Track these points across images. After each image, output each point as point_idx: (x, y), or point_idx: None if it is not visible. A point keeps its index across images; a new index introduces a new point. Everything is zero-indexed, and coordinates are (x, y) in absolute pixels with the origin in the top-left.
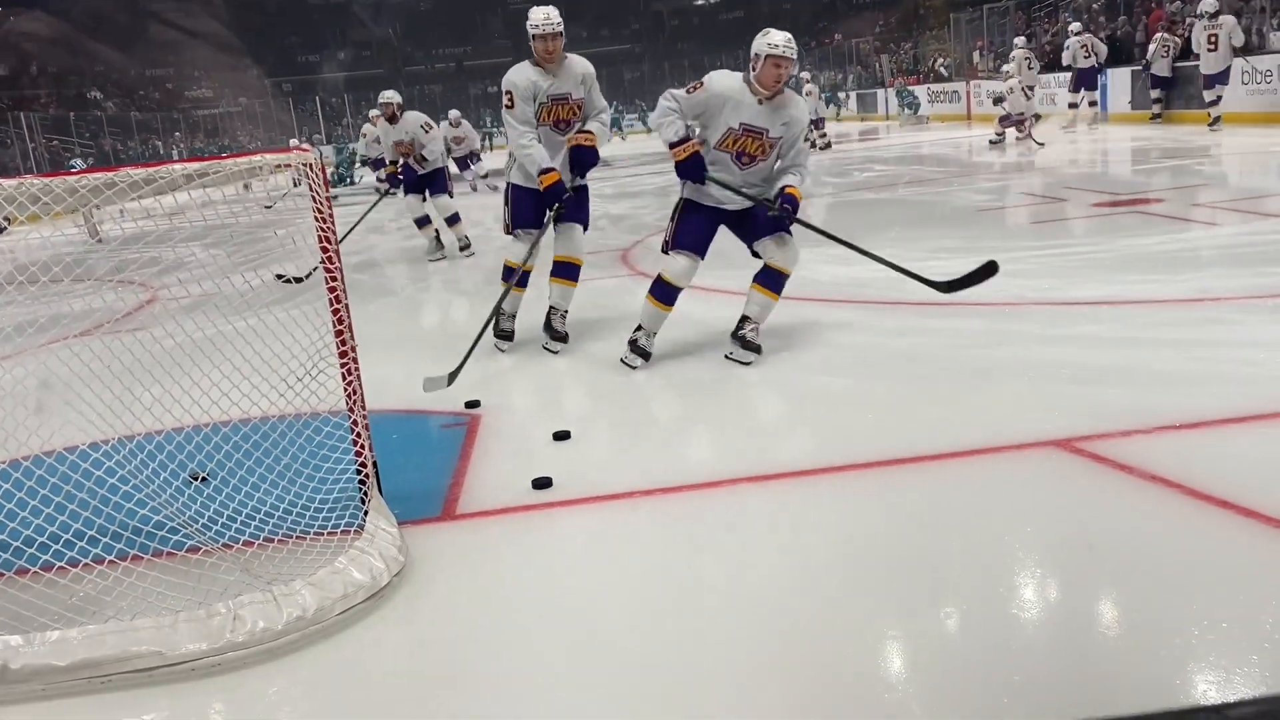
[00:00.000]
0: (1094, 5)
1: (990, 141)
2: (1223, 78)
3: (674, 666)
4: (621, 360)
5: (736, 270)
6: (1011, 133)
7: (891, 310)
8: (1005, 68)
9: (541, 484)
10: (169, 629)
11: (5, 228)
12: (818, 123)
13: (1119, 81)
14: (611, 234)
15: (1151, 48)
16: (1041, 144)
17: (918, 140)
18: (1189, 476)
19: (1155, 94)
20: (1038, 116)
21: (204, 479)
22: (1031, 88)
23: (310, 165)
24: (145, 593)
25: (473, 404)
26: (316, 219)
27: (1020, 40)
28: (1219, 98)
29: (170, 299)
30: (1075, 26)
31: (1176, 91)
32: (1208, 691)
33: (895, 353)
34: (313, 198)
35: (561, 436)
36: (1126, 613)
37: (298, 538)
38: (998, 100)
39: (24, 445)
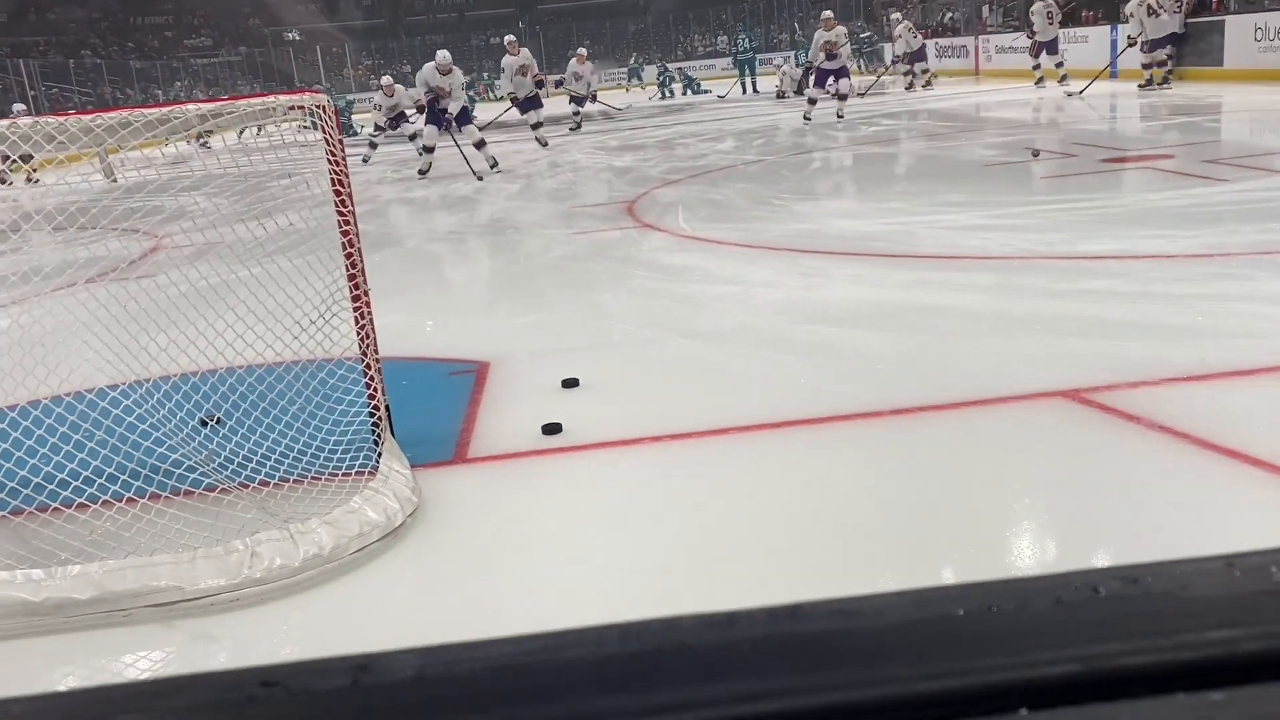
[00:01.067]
0: None
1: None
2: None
3: (684, 610)
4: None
5: (743, 224)
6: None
7: (900, 263)
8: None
9: (551, 429)
10: (188, 565)
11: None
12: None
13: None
14: (617, 186)
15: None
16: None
17: (924, 96)
18: (1196, 426)
19: (1167, 51)
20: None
21: (218, 421)
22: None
23: (324, 107)
24: (164, 530)
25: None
26: (330, 162)
27: None
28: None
29: (175, 247)
30: None
31: (1188, 47)
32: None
33: (904, 305)
34: (326, 141)
35: (570, 384)
36: (1131, 560)
37: (313, 478)
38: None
39: (42, 385)
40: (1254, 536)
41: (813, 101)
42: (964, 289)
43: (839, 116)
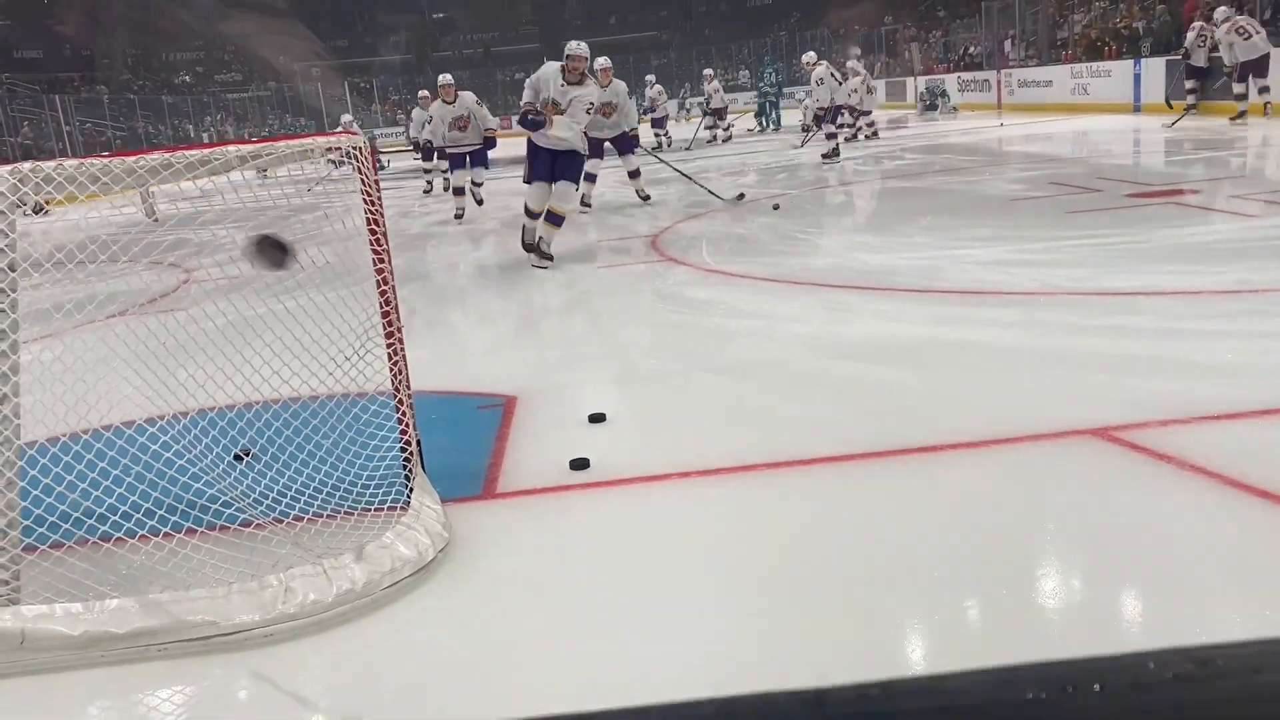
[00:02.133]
0: None
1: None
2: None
3: (712, 646)
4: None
5: (768, 258)
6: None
7: (925, 298)
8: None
9: (579, 465)
10: (223, 599)
11: (44, 208)
12: (719, 113)
13: (1153, 72)
14: (641, 220)
15: (1189, 36)
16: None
17: (946, 130)
18: (1228, 466)
19: (1190, 84)
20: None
21: (252, 455)
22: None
23: (359, 148)
24: (199, 565)
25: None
26: (365, 201)
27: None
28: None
29: (207, 280)
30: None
31: (1210, 82)
32: None
33: (930, 340)
34: (361, 180)
35: (597, 419)
36: (1164, 604)
37: (346, 513)
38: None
39: (80, 419)
40: None
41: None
42: (989, 325)
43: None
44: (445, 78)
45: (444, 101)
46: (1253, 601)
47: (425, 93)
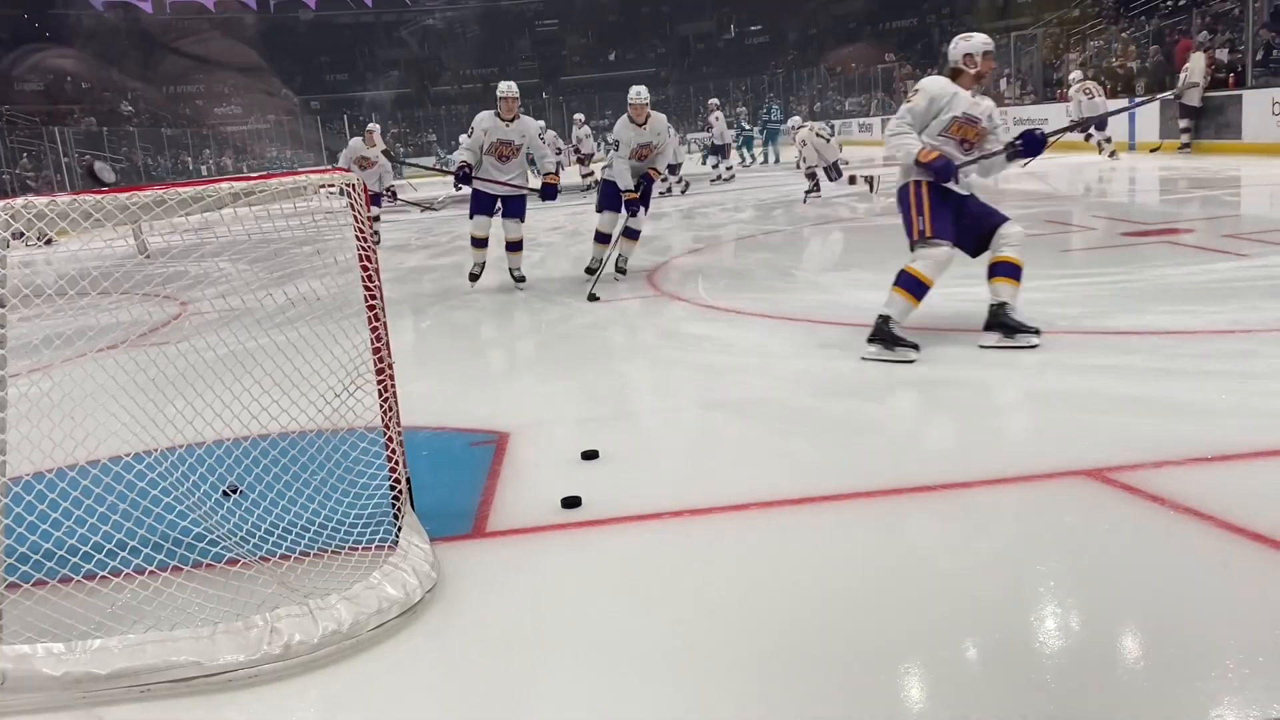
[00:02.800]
0: (1124, 34)
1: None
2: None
3: (703, 688)
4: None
5: (763, 294)
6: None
7: (919, 335)
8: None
9: (571, 503)
10: (207, 640)
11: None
12: (722, 150)
13: (1147, 111)
14: (638, 255)
15: (1181, 77)
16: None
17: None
18: (1223, 509)
19: (1184, 124)
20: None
21: (240, 491)
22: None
23: (353, 186)
24: (184, 604)
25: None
26: (357, 238)
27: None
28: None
29: (198, 314)
30: (1075, 75)
31: (1206, 121)
32: None
33: (924, 378)
34: (354, 217)
35: (590, 456)
36: (1157, 646)
37: (333, 552)
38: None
39: (67, 453)
40: None
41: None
42: (982, 363)
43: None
44: (508, 88)
45: (499, 117)
46: (1246, 646)
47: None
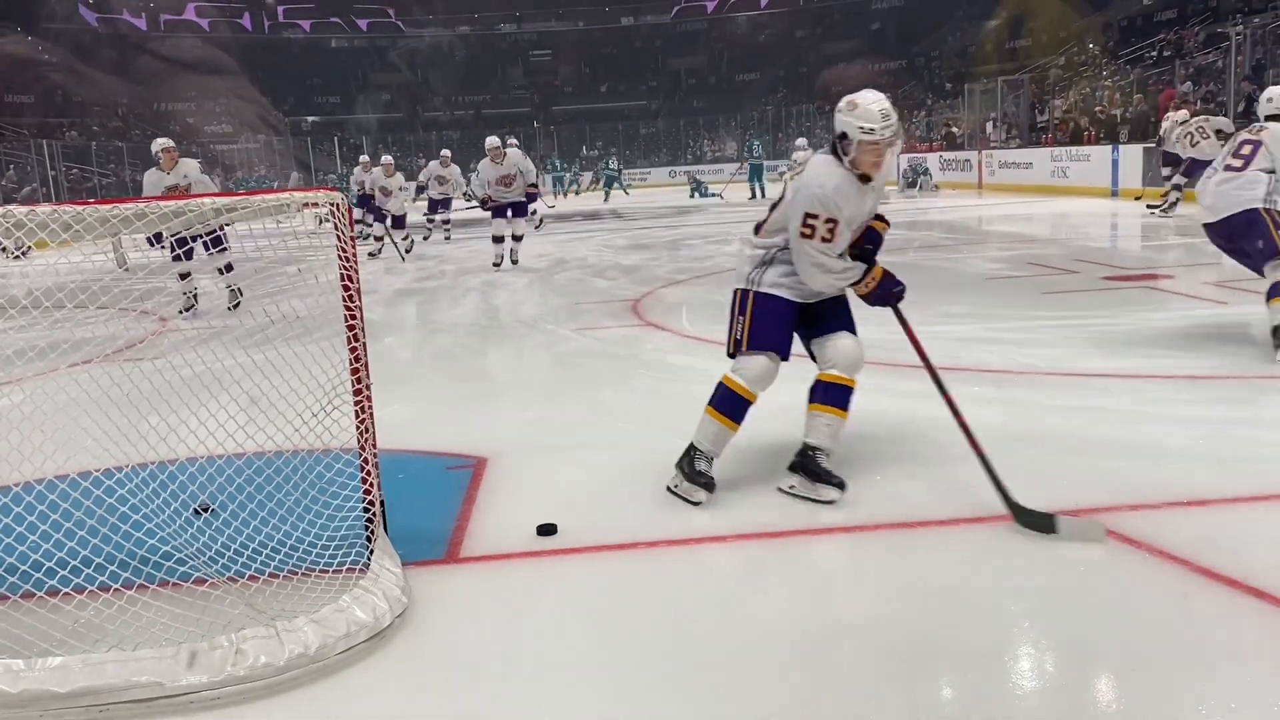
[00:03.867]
0: (1108, 82)
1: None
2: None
3: None
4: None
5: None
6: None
7: (900, 372)
8: None
9: (547, 530)
10: (170, 660)
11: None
12: None
13: (1130, 158)
14: (623, 284)
15: (1164, 125)
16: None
17: (926, 207)
18: (1197, 553)
19: (1166, 172)
20: None
21: (211, 510)
22: None
23: (338, 205)
24: (148, 623)
25: (547, 529)
26: (340, 258)
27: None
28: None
29: (175, 330)
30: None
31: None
32: None
33: (903, 416)
34: (337, 237)
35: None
36: (1131, 691)
37: (303, 574)
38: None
39: (35, 468)
40: (1254, 670)
41: None
42: (963, 402)
43: None
44: (491, 141)
45: (494, 163)
46: (1218, 691)
47: (365, 158)
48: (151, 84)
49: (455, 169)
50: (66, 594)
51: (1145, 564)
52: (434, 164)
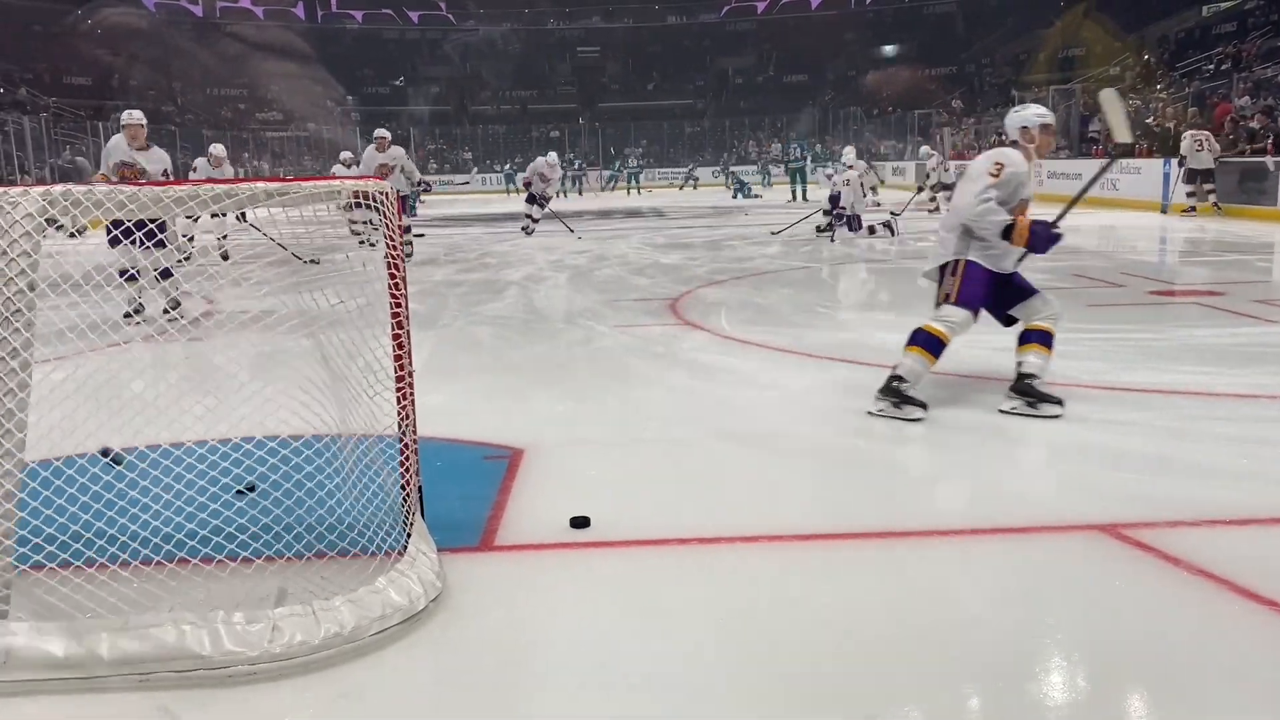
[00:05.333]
0: (1163, 94)
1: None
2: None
3: (700, 716)
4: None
5: (785, 329)
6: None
7: (940, 380)
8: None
9: (580, 523)
10: (210, 633)
11: (85, 226)
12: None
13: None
14: (662, 283)
15: (1185, 142)
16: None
17: None
18: (1238, 573)
19: (1189, 189)
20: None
21: (255, 490)
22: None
23: (385, 194)
24: (190, 596)
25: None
26: (387, 245)
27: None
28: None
29: (223, 312)
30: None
31: (1240, 185)
32: None
33: (941, 423)
34: (385, 225)
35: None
36: (1166, 711)
37: (341, 555)
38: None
39: (84, 443)
40: None
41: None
42: (1001, 412)
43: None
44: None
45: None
46: (1254, 715)
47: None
48: (205, 69)
49: (560, 170)
50: (112, 566)
51: (1184, 582)
52: (540, 161)
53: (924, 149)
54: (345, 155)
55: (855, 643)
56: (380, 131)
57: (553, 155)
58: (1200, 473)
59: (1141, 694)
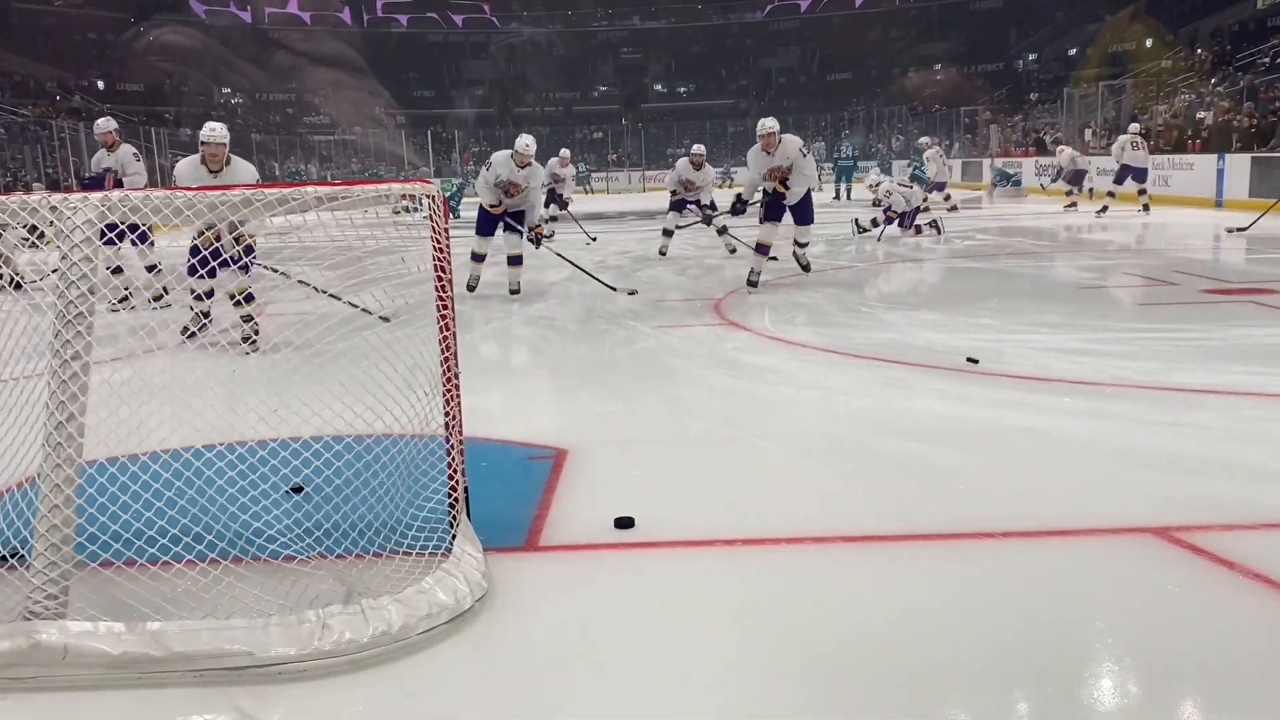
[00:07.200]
0: (1218, 89)
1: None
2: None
3: (745, 717)
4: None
5: (829, 329)
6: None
7: (987, 380)
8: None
9: (624, 524)
10: (260, 631)
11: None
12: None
13: (1237, 168)
14: (706, 282)
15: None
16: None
17: (1017, 212)
18: None
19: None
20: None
21: (304, 490)
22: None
23: (434, 196)
24: (241, 595)
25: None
26: (434, 248)
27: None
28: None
29: (277, 314)
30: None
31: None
32: None
33: (989, 424)
34: (433, 228)
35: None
36: (1211, 712)
37: (389, 555)
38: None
39: (140, 443)
40: None
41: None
42: (1051, 412)
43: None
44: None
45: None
46: None
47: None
48: (253, 75)
49: (571, 168)
50: (166, 562)
51: (1238, 586)
52: (553, 161)
53: (922, 139)
54: (564, 153)
55: (904, 646)
56: (525, 140)
57: (564, 151)
58: (1256, 475)
59: (1195, 698)
